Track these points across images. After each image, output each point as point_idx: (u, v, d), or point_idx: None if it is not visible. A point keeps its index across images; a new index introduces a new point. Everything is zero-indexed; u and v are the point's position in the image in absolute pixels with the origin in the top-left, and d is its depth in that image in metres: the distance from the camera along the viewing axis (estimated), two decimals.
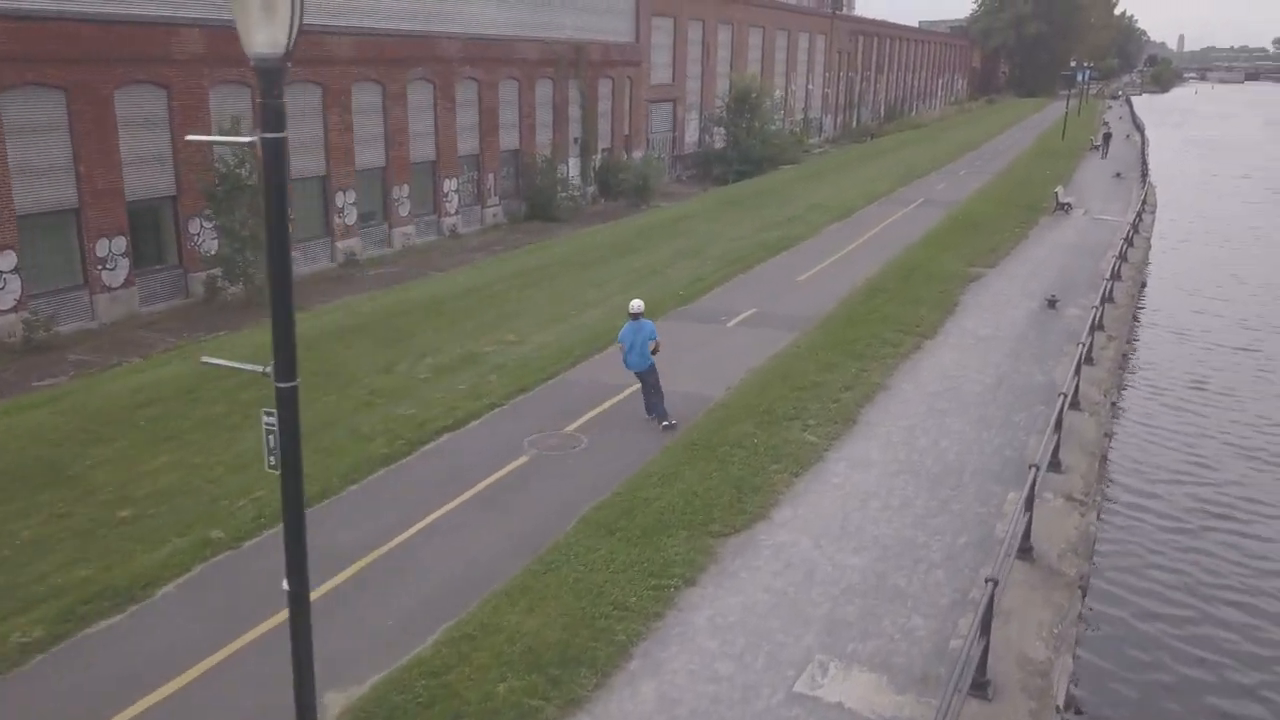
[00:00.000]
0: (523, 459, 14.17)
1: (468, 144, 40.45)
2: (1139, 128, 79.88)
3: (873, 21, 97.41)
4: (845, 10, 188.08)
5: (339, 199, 33.90)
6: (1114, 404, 19.68)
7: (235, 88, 29.44)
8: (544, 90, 45.05)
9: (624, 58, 51.25)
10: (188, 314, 27.38)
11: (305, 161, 32.50)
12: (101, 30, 25.56)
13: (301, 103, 32.10)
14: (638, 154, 54.18)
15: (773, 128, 60.75)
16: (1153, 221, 40.94)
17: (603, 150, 50.65)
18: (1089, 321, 19.35)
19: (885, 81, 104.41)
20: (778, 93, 73.71)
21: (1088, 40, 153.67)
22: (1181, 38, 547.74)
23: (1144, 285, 32.64)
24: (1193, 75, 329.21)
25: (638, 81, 53.07)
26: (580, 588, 10.61)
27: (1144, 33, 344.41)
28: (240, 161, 27.50)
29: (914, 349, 19.86)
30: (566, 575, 10.87)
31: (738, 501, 12.79)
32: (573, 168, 48.16)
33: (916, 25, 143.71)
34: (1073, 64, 74.79)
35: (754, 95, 58.58)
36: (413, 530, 12.04)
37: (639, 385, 16.67)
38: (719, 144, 60.58)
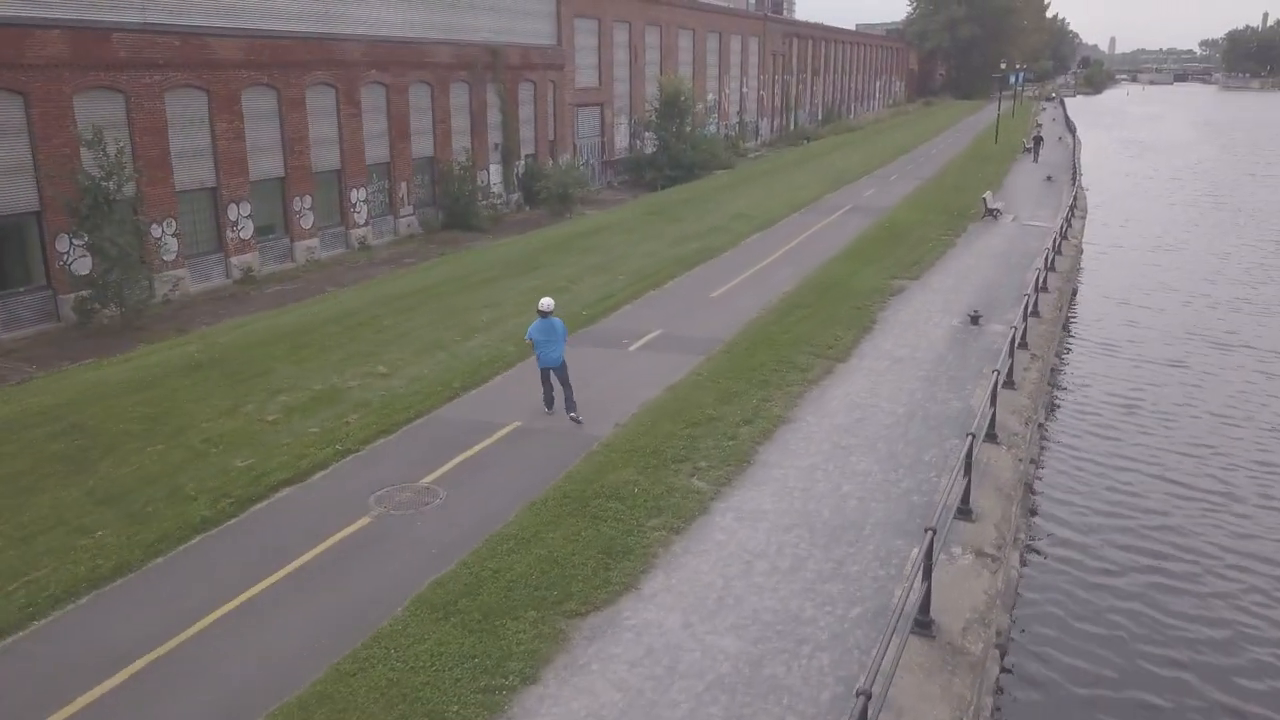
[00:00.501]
0: (364, 520, 12.32)
1: (377, 151, 38.41)
2: (1071, 130, 79.91)
3: (806, 24, 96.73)
4: (785, 13, 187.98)
5: (232, 211, 31.68)
6: (1037, 433, 18.31)
7: (105, 93, 27.20)
8: (460, 95, 43.13)
9: (545, 60, 49.48)
10: (58, 340, 25.08)
11: (193, 172, 30.30)
12: None
13: (187, 109, 29.90)
14: (565, 159, 52.44)
15: (703, 132, 59.33)
16: (1083, 227, 40.13)
17: (526, 156, 48.83)
18: (1009, 340, 18.01)
19: (822, 84, 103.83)
20: (710, 96, 72.44)
21: (1020, 43, 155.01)
22: (1113, 40, 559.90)
23: (1073, 295, 31.63)
24: (1124, 77, 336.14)
25: (561, 85, 51.33)
26: (393, 694, 8.83)
27: (1076, 35, 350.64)
28: (107, 174, 25.27)
29: (824, 374, 18.36)
30: (380, 676, 9.07)
31: (603, 570, 11.08)
32: (494, 175, 46.29)
33: (854, 28, 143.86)
34: (1003, 66, 74.54)
35: (683, 99, 57.14)
36: (211, 618, 10.14)
37: (514, 426, 14.98)
38: (650, 149, 59.04)
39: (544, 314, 15.50)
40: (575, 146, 53.83)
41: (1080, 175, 51.11)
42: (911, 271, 27.48)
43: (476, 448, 14.61)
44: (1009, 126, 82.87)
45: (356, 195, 37.35)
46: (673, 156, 56.40)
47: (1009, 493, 13.89)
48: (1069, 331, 28.45)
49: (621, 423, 15.61)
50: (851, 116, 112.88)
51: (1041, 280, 25.65)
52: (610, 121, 57.42)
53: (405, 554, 11.54)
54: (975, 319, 22.41)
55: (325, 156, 35.71)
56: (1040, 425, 19.74)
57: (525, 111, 48.46)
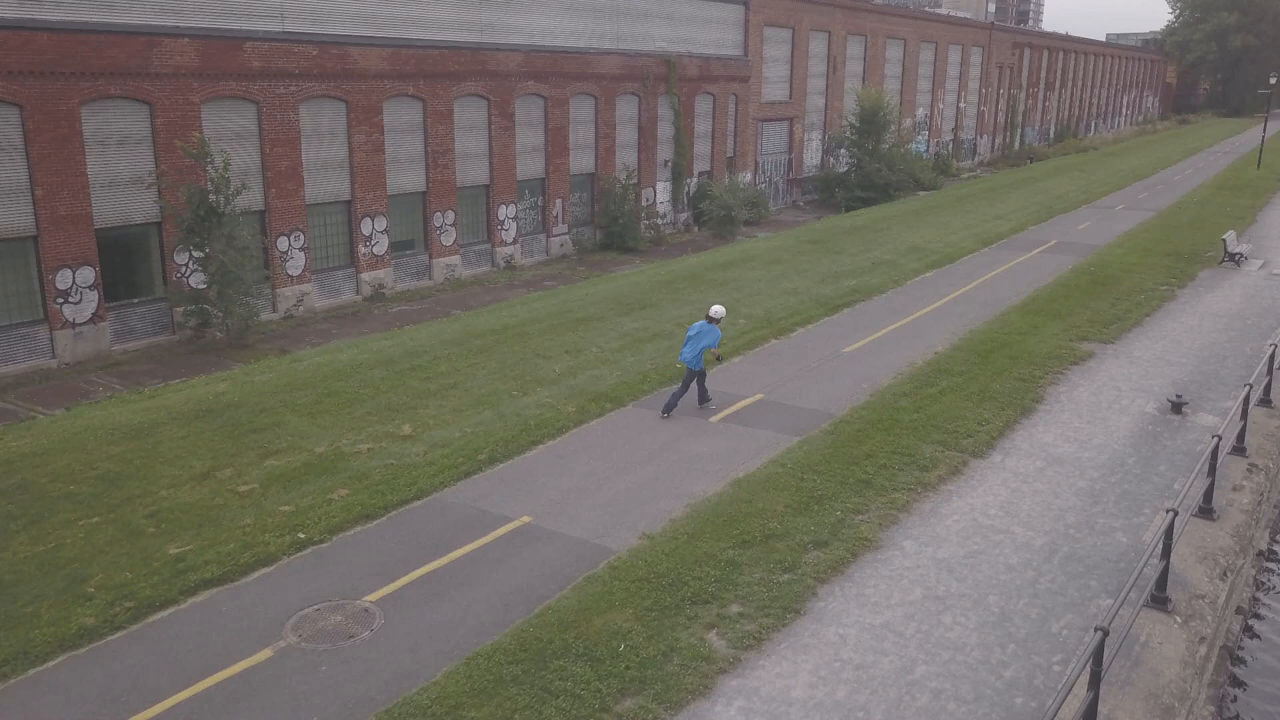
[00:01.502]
0: (263, 654, 9.63)
1: (530, 166, 36.55)
2: None
3: (1040, 33, 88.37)
4: (1031, 23, 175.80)
5: (366, 225, 30.54)
6: (1240, 595, 13.10)
7: (236, 103, 26.48)
8: (627, 107, 40.72)
9: (727, 72, 46.31)
10: (165, 353, 24.45)
11: (327, 184, 29.32)
12: (63, 40, 22.88)
13: (323, 119, 28.95)
14: (746, 177, 49.12)
15: (906, 150, 54.27)
16: None
17: (700, 174, 45.89)
18: (1213, 444, 13.13)
19: (1058, 99, 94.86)
20: (920, 111, 66.95)
21: None
22: None
23: None
24: None
25: (745, 98, 48.01)
26: None
27: None
28: (216, 186, 24.36)
29: (949, 476, 14.21)
30: None
31: None
32: (661, 193, 43.62)
33: (1104, 39, 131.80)
34: (1273, 81, 64.39)
35: (882, 114, 52.39)
36: None
37: (520, 523, 12.04)
38: (844, 167, 54.64)
39: (711, 319, 16.54)
40: (757, 164, 50.35)
41: None
42: (1108, 332, 22.31)
43: (457, 552, 11.68)
44: (1277, 150, 72.02)
45: (505, 212, 35.60)
46: (865, 175, 51.77)
47: (1168, 703, 9.49)
48: None
49: (651, 532, 12.24)
50: (1091, 134, 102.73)
51: None
52: (800, 137, 53.51)
53: (284, 717, 8.75)
54: (1178, 406, 17.35)
55: (472, 171, 34.12)
56: (1250, 582, 14.24)
57: (702, 126, 45.52)
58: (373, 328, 25.97)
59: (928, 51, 66.86)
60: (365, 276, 30.59)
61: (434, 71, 31.75)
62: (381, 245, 31.10)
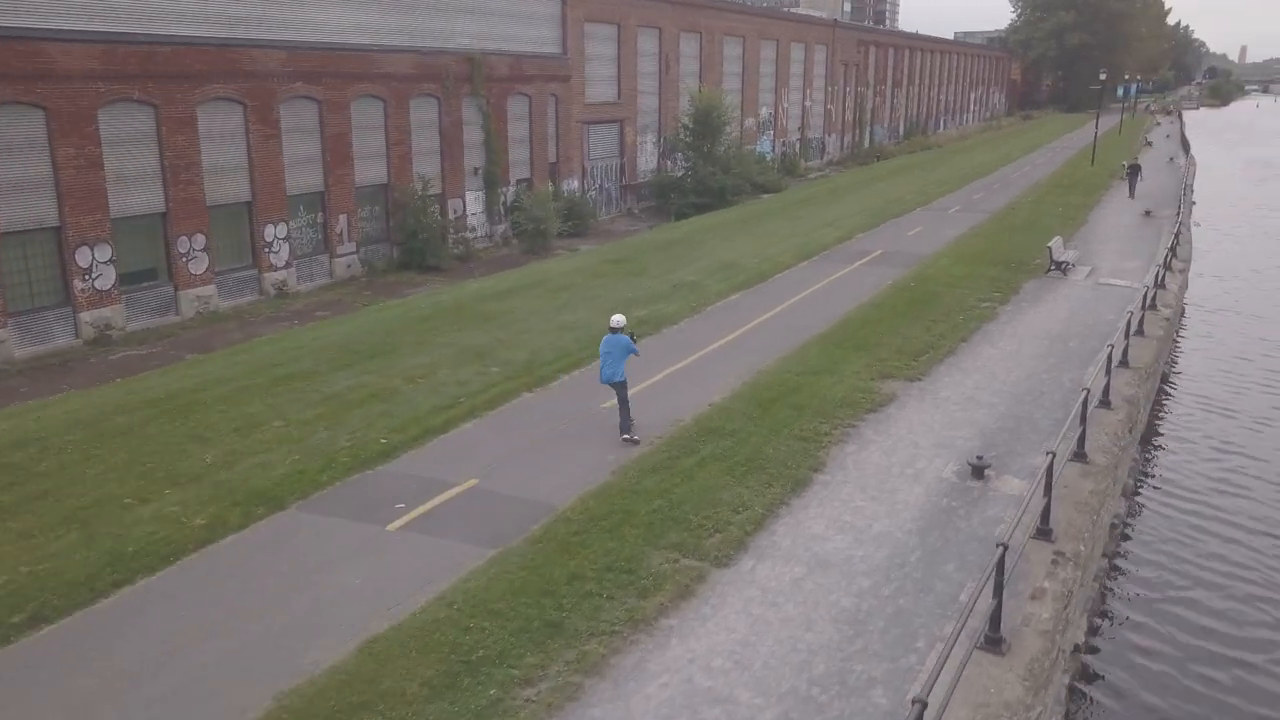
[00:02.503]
0: None
1: (305, 179, 31.91)
2: (1186, 148, 69.04)
3: (885, 31, 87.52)
4: (887, 22, 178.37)
5: (83, 256, 25.50)
6: None
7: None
8: (425, 111, 36.40)
9: (544, 71, 42.44)
10: None
11: (27, 208, 24.22)
12: None
13: (20, 131, 23.85)
14: (572, 184, 45.39)
15: (745, 152, 51.44)
16: (1183, 285, 30.99)
17: (518, 182, 41.90)
18: (999, 552, 9.82)
19: (906, 96, 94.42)
20: (764, 111, 64.53)
21: (1137, 52, 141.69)
22: (1244, 49, 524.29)
23: (1152, 413, 22.82)
24: (1255, 88, 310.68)
25: (567, 99, 44.24)
26: None
27: (1202, 44, 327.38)
28: None
29: (676, 602, 10.63)
30: None
31: None
32: (473, 203, 39.46)
33: (952, 37, 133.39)
34: (1102, 77, 64.35)
35: (717, 114, 49.41)
36: None
37: None
38: (681, 171, 51.45)
39: (614, 330, 15.42)
40: (585, 169, 46.68)
41: (1189, 208, 41.55)
42: (916, 366, 19.30)
43: None
44: (1114, 145, 72.41)
45: (273, 232, 30.87)
46: (699, 180, 48.69)
47: None
48: (1139, 493, 19.68)
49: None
50: (941, 131, 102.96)
51: (1102, 389, 17.29)
52: (632, 140, 50.07)
53: None
54: (979, 470, 14.26)
55: (228, 186, 29.32)
56: None
57: (517, 129, 41.53)
58: (71, 383, 21.09)
59: (769, 49, 64.45)
60: (86, 316, 25.54)
61: (166, 71, 26.86)
62: (107, 278, 26.07)
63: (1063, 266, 28.58)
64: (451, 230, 37.89)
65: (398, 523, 12.42)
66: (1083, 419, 14.89)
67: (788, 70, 67.55)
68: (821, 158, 75.39)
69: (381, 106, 34.53)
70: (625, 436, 15.36)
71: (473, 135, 38.89)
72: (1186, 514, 18.70)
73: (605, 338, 15.40)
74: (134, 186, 26.68)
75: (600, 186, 48.30)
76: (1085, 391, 14.80)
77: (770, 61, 64.95)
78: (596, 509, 12.68)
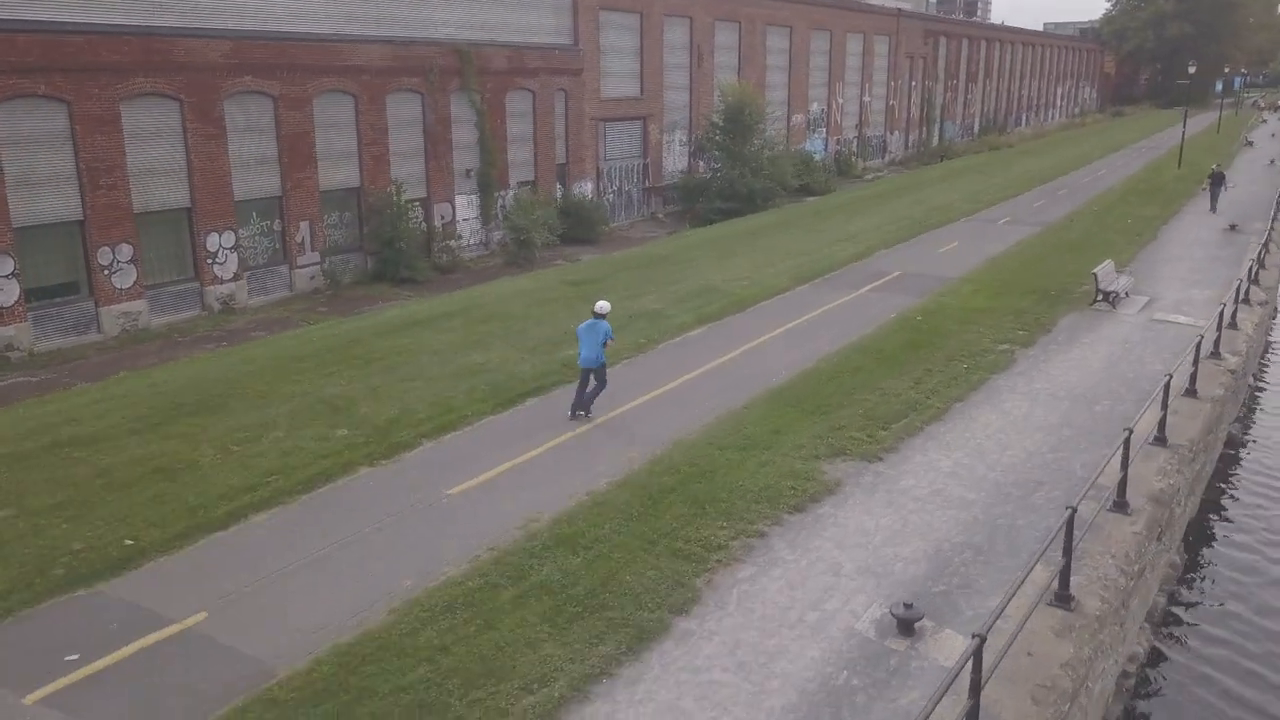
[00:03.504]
0: None
1: (258, 182, 28.86)
2: None
3: (958, 21, 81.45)
4: (979, 15, 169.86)
5: None
6: None
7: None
8: (404, 107, 33.06)
9: (550, 64, 38.76)
10: None
11: None
12: None
13: None
14: (584, 187, 41.70)
15: (771, 151, 46.99)
16: (1264, 323, 25.64)
17: (520, 184, 38.35)
18: None
19: (982, 91, 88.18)
20: (815, 107, 59.80)
21: (1244, 43, 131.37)
22: None
23: (1200, 510, 17.94)
24: None
25: (578, 94, 40.51)
26: None
27: None
28: None
29: None
30: None
31: None
32: (464, 209, 36.05)
33: (1041, 29, 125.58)
34: (1191, 70, 57.75)
35: (749, 111, 45.08)
36: None
37: None
38: (710, 173, 47.26)
39: (597, 315, 15.71)
40: (600, 170, 42.89)
41: None
42: (883, 438, 14.98)
43: None
44: (1210, 145, 65.38)
45: (218, 241, 27.89)
46: (726, 183, 44.44)
47: None
48: (1159, 660, 13.64)
49: None
50: (1022, 128, 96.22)
51: (1117, 485, 12.82)
52: (657, 139, 46.08)
53: None
54: (908, 623, 10.06)
55: (161, 191, 26.40)
56: None
57: (519, 127, 37.96)
58: None
59: (820, 40, 59.63)
60: None
61: (79, 64, 23.97)
62: (8, 293, 23.33)
63: (1111, 297, 23.71)
64: (438, 238, 34.62)
65: (39, 692, 8.82)
66: (1066, 548, 10.54)
67: (843, 63, 62.59)
68: (883, 157, 70.22)
69: (352, 103, 31.30)
70: (581, 412, 15.75)
71: (464, 134, 35.46)
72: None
73: (586, 322, 15.72)
74: (43, 192, 23.88)
75: (619, 189, 44.47)
76: (1071, 511, 10.41)
77: (822, 54, 60.13)
78: (327, 679, 8.91)
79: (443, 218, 35.09)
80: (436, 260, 34.08)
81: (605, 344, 15.52)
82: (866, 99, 66.68)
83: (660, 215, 46.35)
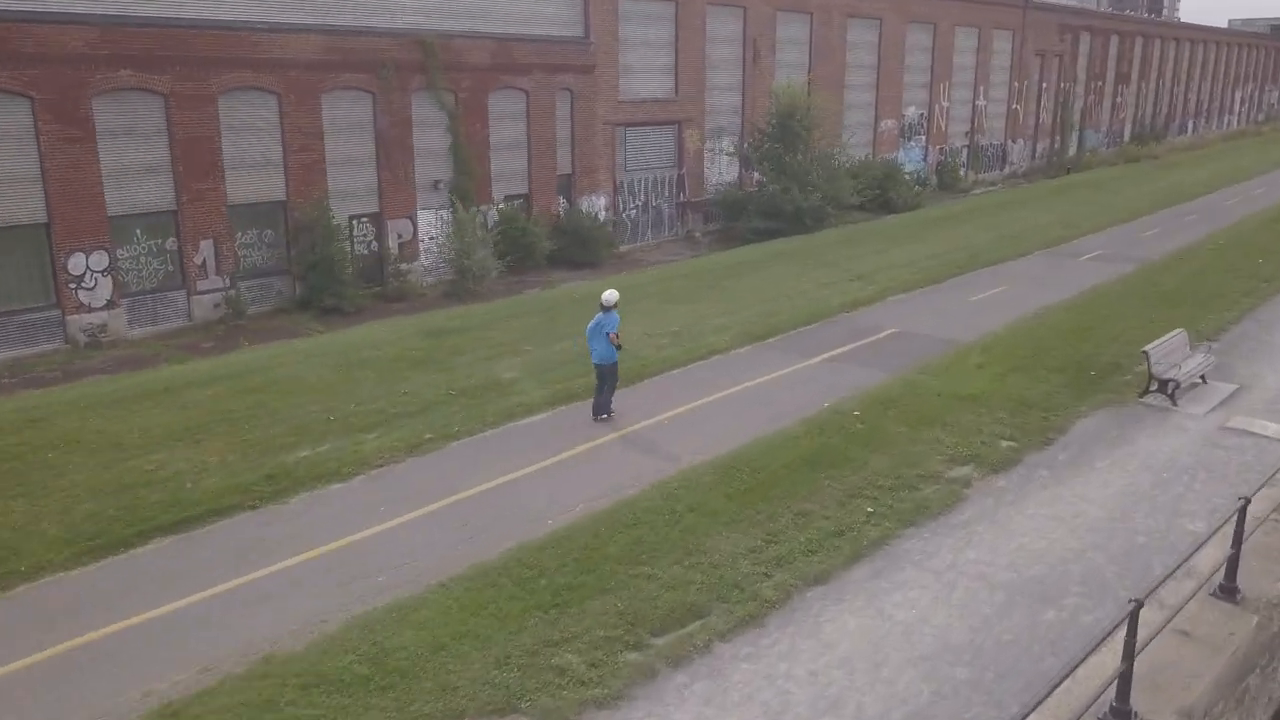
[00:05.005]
0: None
1: (144, 194, 24.58)
2: None
3: (1105, 15, 70.81)
4: (1165, 12, 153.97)
5: None
6: None
7: None
8: (350, 109, 28.25)
9: (548, 59, 33.18)
10: None
11: None
12: None
13: None
14: (596, 201, 36.03)
15: (831, 160, 39.93)
16: None
17: (509, 198, 33.03)
18: None
19: (1137, 95, 77.04)
20: (911, 111, 52.02)
21: None
22: None
23: None
24: None
25: (589, 94, 34.80)
26: None
27: None
28: None
29: None
30: None
31: None
32: (430, 227, 31.00)
33: (1225, 25, 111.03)
34: None
35: (801, 115, 38.27)
36: None
37: None
38: (757, 187, 40.63)
39: (605, 308, 15.22)
40: (617, 183, 37.05)
41: None
42: (625, 669, 8.68)
43: None
44: None
45: (86, 263, 23.75)
46: (768, 199, 37.79)
47: None
48: None
49: None
50: (1189, 135, 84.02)
51: None
52: (696, 148, 39.82)
53: None
54: None
55: (4, 203, 22.47)
56: None
57: (507, 133, 32.60)
58: None
59: (921, 34, 51.66)
60: None
61: None
62: None
63: (1170, 388, 16.14)
64: (392, 260, 29.70)
65: None
66: None
67: (950, 60, 54.32)
68: (1002, 168, 61.30)
69: (274, 102, 26.66)
70: (602, 416, 15.27)
71: (432, 140, 30.39)
72: None
73: (594, 319, 15.08)
74: None
75: (646, 205, 38.49)
76: None
77: (922, 50, 52.14)
78: None
79: (399, 236, 30.10)
80: (390, 284, 29.20)
81: (611, 336, 14.87)
82: (981, 102, 58.04)
83: (698, 234, 40.05)
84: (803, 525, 11.46)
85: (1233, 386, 16.83)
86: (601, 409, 15.41)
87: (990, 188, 55.47)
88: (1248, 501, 8.82)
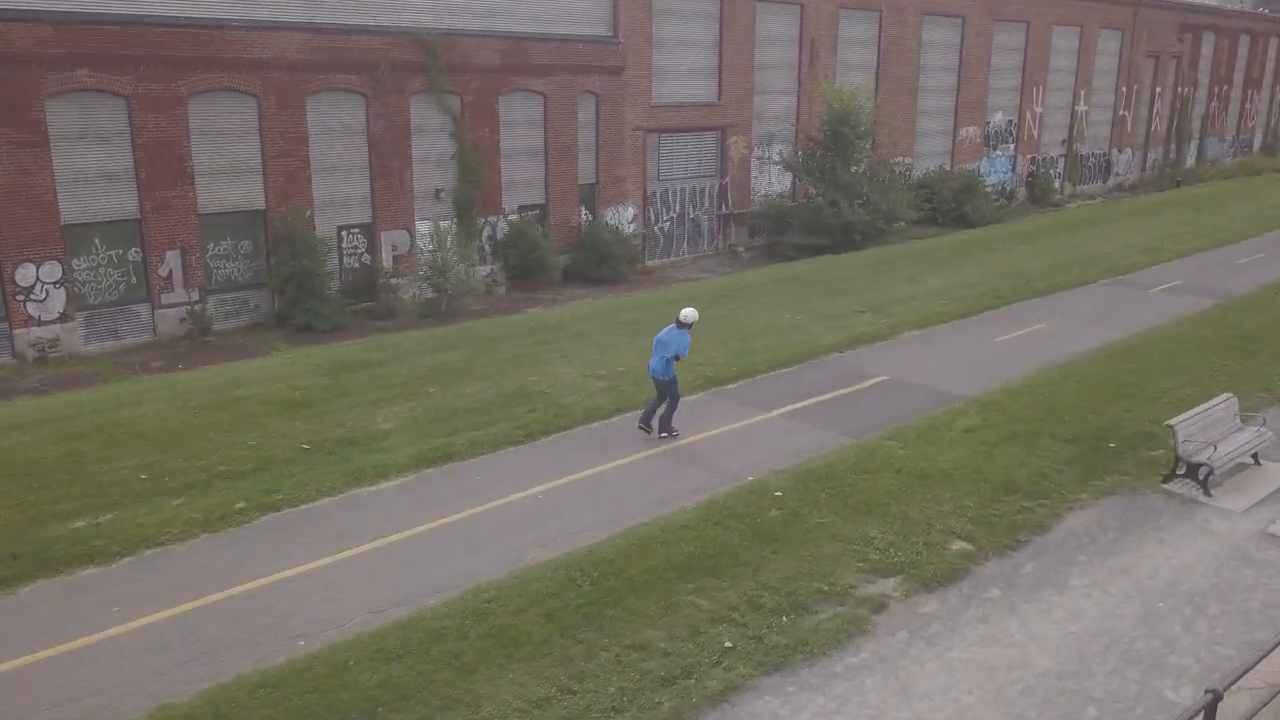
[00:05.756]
0: None
1: (102, 202, 23.14)
2: None
3: (1231, 12, 64.12)
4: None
5: None
6: None
7: None
8: (340, 112, 26.39)
9: (570, 59, 30.70)
10: None
11: None
12: None
13: None
14: (625, 212, 33.46)
15: (888, 172, 36.28)
16: None
17: (522, 209, 30.75)
18: None
19: (1269, 101, 69.90)
20: (998, 117, 47.66)
21: None
22: None
23: None
24: None
25: (617, 98, 32.20)
26: None
27: None
28: None
29: None
30: None
31: None
32: (428, 239, 28.92)
33: None
34: None
35: (854, 122, 34.80)
36: None
37: None
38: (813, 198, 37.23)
39: (681, 324, 14.47)
40: (648, 194, 34.33)
41: None
42: None
43: None
44: None
45: (35, 274, 22.44)
46: (814, 212, 34.45)
47: None
48: None
49: None
50: None
51: None
52: (741, 156, 36.75)
53: None
54: None
55: None
56: None
57: (521, 138, 30.27)
58: None
59: (1011, 34, 47.15)
60: None
61: None
62: None
63: (1201, 473, 12.44)
64: (384, 274, 27.78)
65: None
66: None
67: (1045, 62, 49.56)
68: (1106, 179, 55.96)
69: (253, 104, 24.98)
70: (662, 435, 14.51)
71: (434, 146, 28.32)
72: None
73: (667, 328, 14.37)
74: None
75: (682, 217, 35.67)
76: None
77: (1013, 51, 47.59)
78: None
79: (394, 248, 28.12)
80: (382, 300, 27.29)
81: (676, 359, 14.15)
82: (1082, 108, 52.90)
83: (741, 249, 36.96)
84: (625, 667, 8.54)
85: None
86: (663, 426, 14.41)
87: (1088, 201, 50.42)
88: (1218, 696, 5.72)
